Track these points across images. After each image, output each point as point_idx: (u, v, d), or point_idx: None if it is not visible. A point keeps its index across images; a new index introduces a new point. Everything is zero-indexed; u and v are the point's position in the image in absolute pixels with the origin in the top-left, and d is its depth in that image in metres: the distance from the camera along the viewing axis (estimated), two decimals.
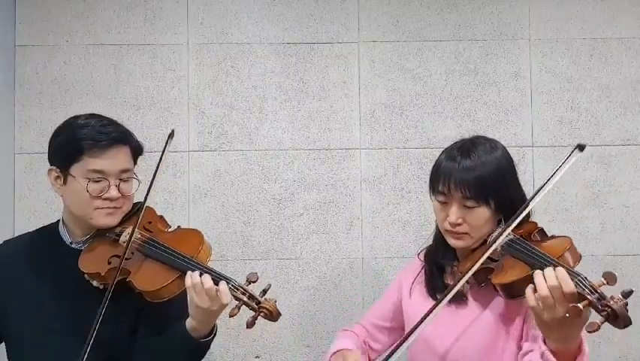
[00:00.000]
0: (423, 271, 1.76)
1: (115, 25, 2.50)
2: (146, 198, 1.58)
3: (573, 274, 1.35)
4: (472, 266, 1.51)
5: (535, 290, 1.36)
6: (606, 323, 1.28)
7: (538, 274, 1.37)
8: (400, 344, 1.49)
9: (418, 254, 1.81)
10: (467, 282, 1.55)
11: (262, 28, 2.51)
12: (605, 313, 1.27)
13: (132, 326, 1.65)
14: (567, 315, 1.30)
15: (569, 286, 1.32)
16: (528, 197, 1.70)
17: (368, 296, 2.44)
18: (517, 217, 1.50)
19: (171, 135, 1.62)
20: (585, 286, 1.32)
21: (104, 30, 2.50)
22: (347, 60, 2.50)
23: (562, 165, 1.47)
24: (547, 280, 1.34)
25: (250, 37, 2.50)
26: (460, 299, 1.62)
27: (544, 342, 1.42)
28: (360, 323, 1.88)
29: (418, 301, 1.72)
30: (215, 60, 2.50)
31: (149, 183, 1.59)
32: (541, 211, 2.42)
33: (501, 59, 2.50)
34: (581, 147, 1.47)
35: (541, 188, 1.49)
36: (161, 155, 1.61)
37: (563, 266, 1.38)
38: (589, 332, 1.27)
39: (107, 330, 1.53)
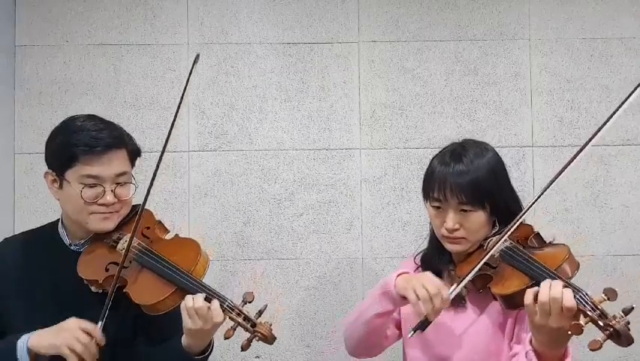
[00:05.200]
0: (418, 272, 1.75)
1: (115, 25, 2.50)
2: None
3: (575, 290, 1.37)
4: (470, 271, 1.52)
5: (536, 295, 1.38)
6: (608, 340, 1.30)
7: (546, 282, 1.39)
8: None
9: (415, 257, 1.81)
10: (465, 287, 1.56)
11: (262, 28, 2.50)
12: (608, 332, 1.30)
13: (133, 329, 1.64)
14: (569, 332, 1.33)
15: (570, 301, 1.34)
16: (524, 196, 1.72)
17: None
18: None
19: (196, 60, 1.58)
20: (587, 303, 1.35)
21: (104, 30, 2.49)
22: (347, 60, 2.50)
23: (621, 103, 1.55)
24: (552, 289, 1.36)
25: (250, 37, 2.50)
26: (459, 303, 1.62)
27: (530, 342, 1.44)
28: None
29: None
30: (215, 60, 2.49)
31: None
32: (541, 211, 2.42)
33: (501, 59, 2.50)
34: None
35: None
36: (187, 79, 1.59)
37: (563, 280, 1.40)
38: (591, 350, 1.29)
39: (108, 334, 1.53)
